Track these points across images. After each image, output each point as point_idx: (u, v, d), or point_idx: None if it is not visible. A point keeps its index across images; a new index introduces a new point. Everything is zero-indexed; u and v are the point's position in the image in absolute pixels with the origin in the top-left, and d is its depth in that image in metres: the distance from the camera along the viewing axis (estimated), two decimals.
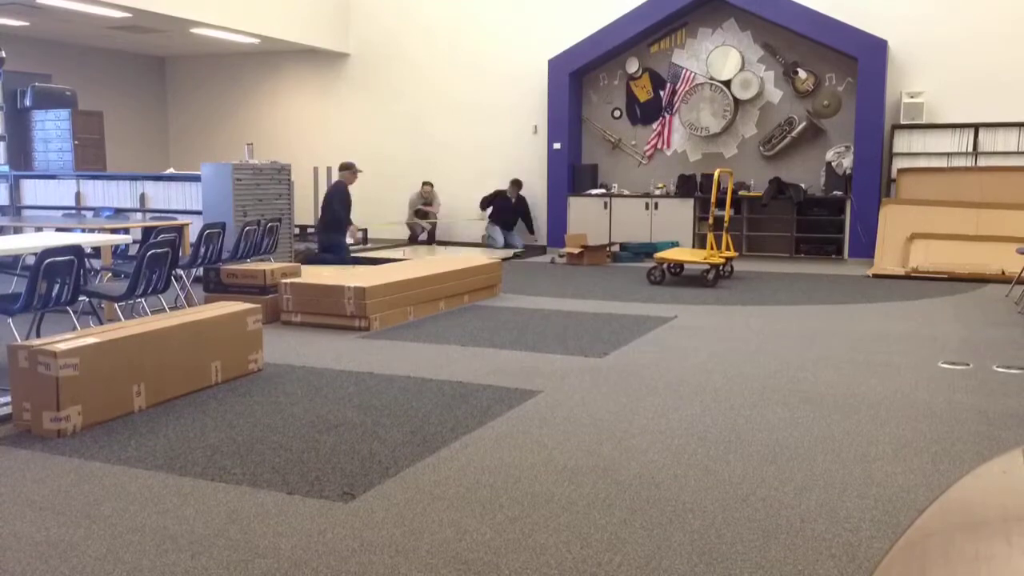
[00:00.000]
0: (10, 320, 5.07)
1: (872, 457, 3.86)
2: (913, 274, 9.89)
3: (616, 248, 11.96)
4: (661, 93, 12.64)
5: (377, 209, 14.71)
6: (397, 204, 14.51)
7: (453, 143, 14.15)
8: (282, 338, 6.56)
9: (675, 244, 11.92)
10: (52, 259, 5.06)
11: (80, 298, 5.43)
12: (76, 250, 5.23)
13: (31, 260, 5.65)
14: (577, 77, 12.90)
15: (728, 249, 9.65)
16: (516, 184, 13.30)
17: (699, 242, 12.03)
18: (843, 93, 11.73)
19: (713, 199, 9.69)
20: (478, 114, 13.91)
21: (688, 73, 12.41)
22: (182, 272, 7.61)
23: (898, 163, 11.30)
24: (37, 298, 5.08)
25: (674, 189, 12.37)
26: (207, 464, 3.78)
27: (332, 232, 10.96)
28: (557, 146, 12.76)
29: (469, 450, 3.96)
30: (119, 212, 10.12)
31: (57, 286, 5.16)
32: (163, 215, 9.83)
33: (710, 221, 9.82)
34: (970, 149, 11.03)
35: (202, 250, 7.40)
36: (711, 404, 4.73)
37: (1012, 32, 11.00)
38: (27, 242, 5.88)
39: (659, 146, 12.77)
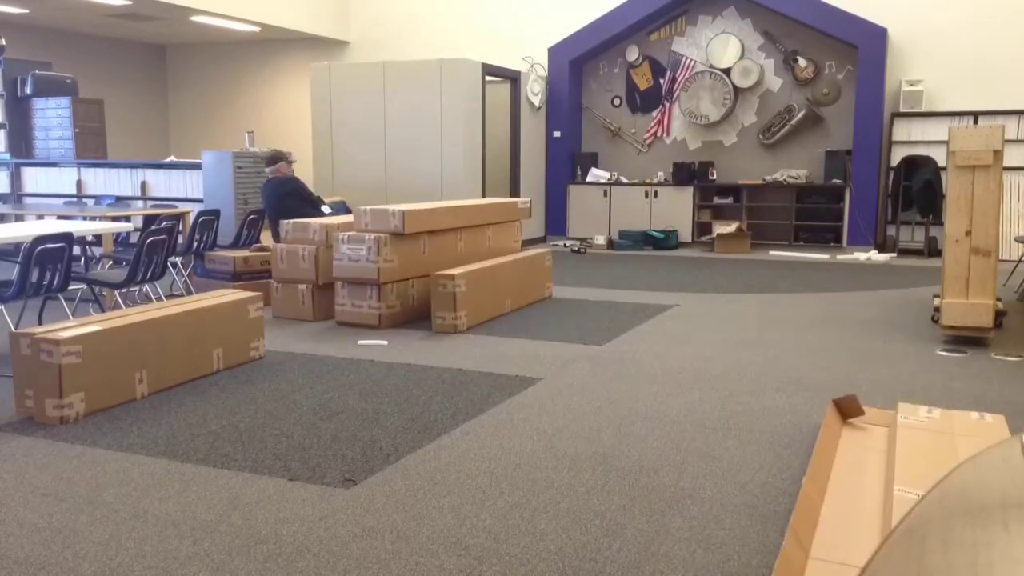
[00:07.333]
0: (2, 307, 5.09)
1: None
2: None
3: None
4: (661, 81, 12.61)
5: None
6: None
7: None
8: (283, 326, 6.57)
9: (675, 232, 11.92)
10: (44, 246, 5.07)
11: (73, 285, 5.46)
12: (66, 237, 5.24)
13: None
14: (577, 65, 12.87)
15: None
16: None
17: (698, 230, 12.03)
18: (843, 81, 11.71)
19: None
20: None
21: (688, 61, 12.38)
22: (178, 260, 7.62)
23: (897, 151, 11.30)
24: (29, 285, 5.10)
25: (671, 177, 12.33)
26: (209, 451, 3.79)
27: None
28: (557, 134, 12.74)
29: (469, 437, 3.98)
30: (120, 200, 10.12)
31: (49, 273, 5.19)
32: (164, 203, 9.82)
33: None
34: None
35: (196, 237, 7.40)
36: (710, 391, 4.75)
37: (1012, 20, 10.97)
38: (23, 230, 5.89)
39: (659, 134, 12.75)
